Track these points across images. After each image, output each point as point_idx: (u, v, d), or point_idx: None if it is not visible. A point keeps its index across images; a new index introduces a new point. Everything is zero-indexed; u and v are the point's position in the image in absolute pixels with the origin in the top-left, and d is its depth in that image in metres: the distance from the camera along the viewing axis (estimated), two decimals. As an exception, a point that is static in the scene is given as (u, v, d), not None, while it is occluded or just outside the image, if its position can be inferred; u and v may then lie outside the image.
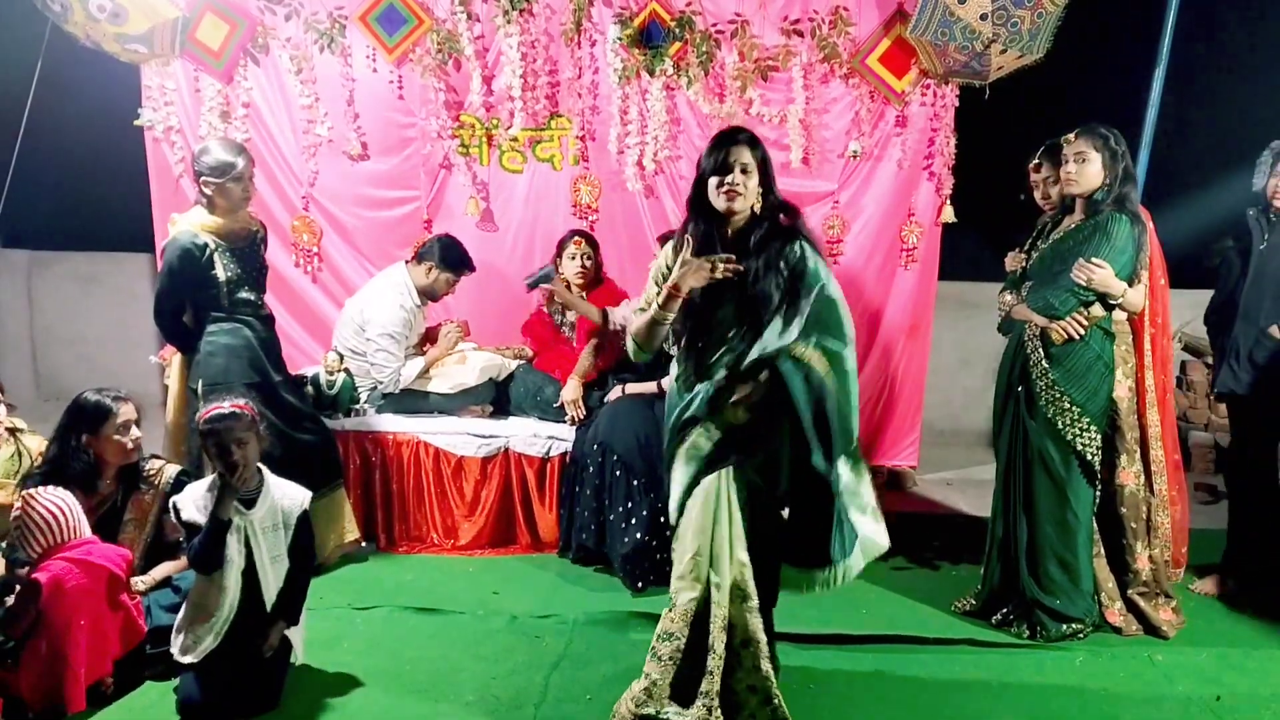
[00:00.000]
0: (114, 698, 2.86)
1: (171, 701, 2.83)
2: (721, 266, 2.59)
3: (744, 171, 2.62)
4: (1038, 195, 3.80)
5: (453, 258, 4.34)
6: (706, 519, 2.64)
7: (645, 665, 2.72)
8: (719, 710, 2.66)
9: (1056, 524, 3.40)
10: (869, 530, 2.58)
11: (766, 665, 2.68)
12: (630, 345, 2.83)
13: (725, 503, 2.64)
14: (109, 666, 2.86)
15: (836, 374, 2.59)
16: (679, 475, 2.69)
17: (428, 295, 4.39)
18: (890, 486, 5.04)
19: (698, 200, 2.70)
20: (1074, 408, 3.32)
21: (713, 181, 2.63)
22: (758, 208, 2.68)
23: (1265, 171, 3.65)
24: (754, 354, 2.59)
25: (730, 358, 2.64)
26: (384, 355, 4.22)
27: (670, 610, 2.69)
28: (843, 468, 2.58)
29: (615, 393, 4.06)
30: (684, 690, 2.69)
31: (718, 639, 2.64)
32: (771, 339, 2.59)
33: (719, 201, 2.63)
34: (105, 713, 2.81)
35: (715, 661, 2.64)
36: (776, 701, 2.69)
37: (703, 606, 2.67)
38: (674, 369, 2.81)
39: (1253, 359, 3.65)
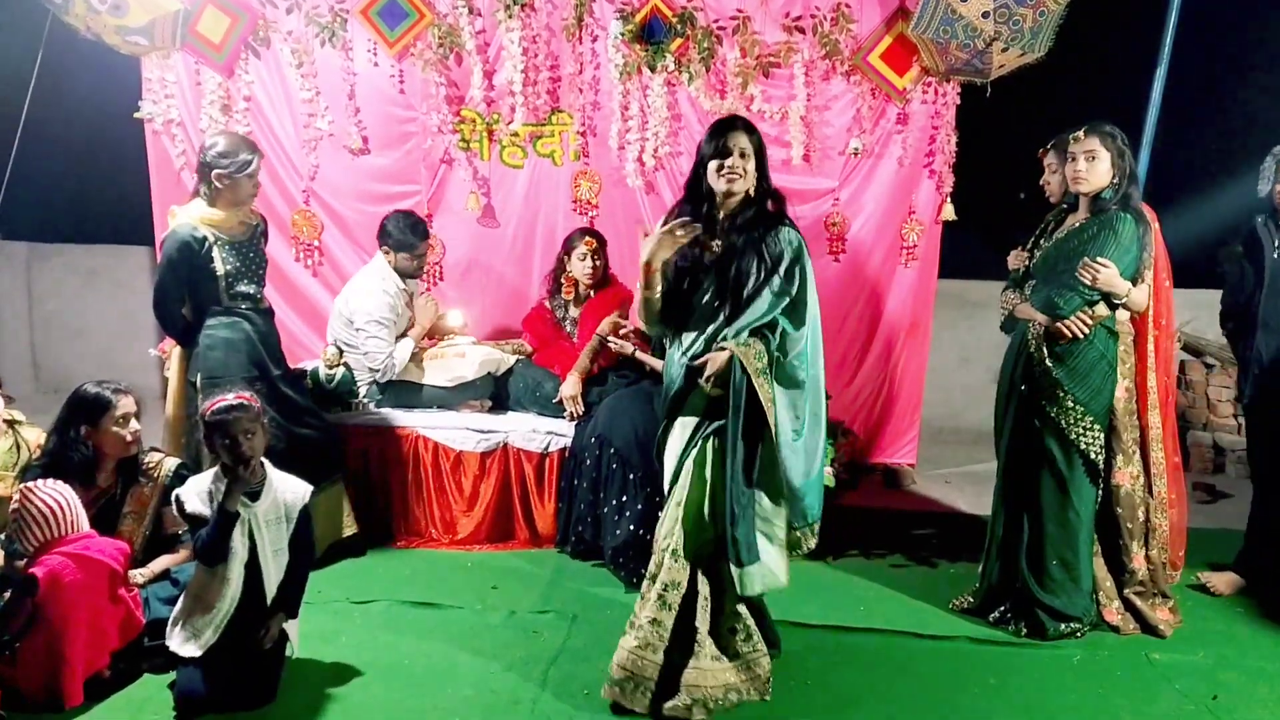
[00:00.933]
0: (112, 690, 2.86)
1: (169, 694, 2.83)
2: (680, 230, 2.74)
3: (742, 155, 2.79)
4: (1041, 182, 3.79)
5: (398, 233, 4.28)
6: (696, 478, 2.81)
7: (650, 613, 2.81)
8: (712, 646, 2.83)
9: (1058, 523, 3.39)
10: (770, 560, 2.79)
11: (742, 607, 2.88)
12: (642, 325, 3.04)
13: (707, 464, 2.80)
14: (107, 659, 2.86)
15: (779, 378, 2.77)
16: (673, 444, 2.87)
17: (405, 275, 4.37)
18: (889, 484, 5.05)
19: (694, 185, 2.86)
20: (1077, 406, 3.31)
21: (713, 165, 2.79)
22: (752, 192, 2.84)
23: (1270, 178, 3.64)
24: (735, 329, 2.78)
25: (710, 332, 2.82)
26: (375, 341, 4.21)
27: (675, 561, 2.80)
28: (761, 495, 2.79)
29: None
30: (681, 636, 2.84)
31: (702, 583, 2.84)
32: (755, 314, 2.78)
33: (719, 184, 2.79)
34: (103, 705, 2.81)
35: (702, 602, 2.84)
36: (756, 637, 2.91)
37: (691, 556, 2.83)
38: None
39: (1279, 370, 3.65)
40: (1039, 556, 3.43)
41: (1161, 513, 3.55)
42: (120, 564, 2.85)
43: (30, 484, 2.86)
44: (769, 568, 2.78)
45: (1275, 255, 3.65)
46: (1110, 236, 3.23)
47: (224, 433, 2.83)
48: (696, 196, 2.85)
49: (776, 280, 2.78)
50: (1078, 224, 3.37)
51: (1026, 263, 3.55)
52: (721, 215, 2.83)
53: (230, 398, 2.89)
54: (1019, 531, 3.48)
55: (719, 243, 2.82)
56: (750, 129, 2.84)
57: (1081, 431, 3.32)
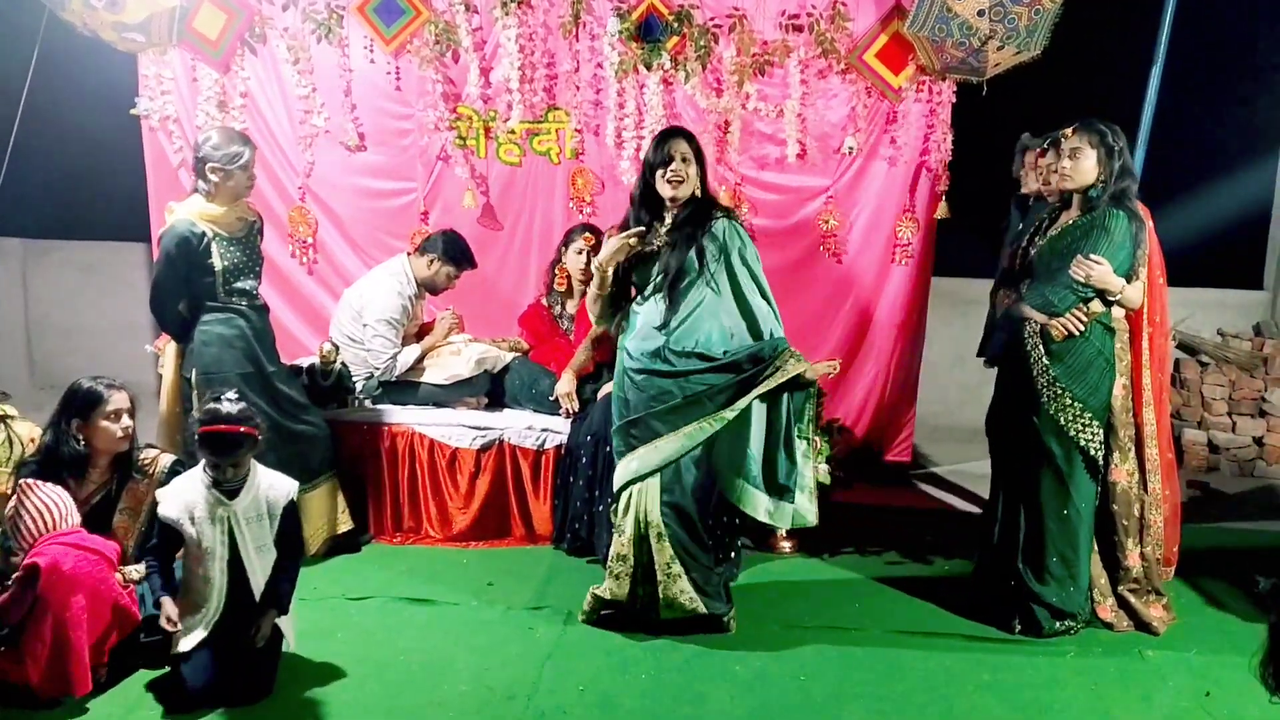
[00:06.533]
0: (108, 685, 2.86)
1: (165, 689, 2.84)
2: (632, 238, 3.18)
3: (684, 160, 3.17)
4: (1040, 182, 3.81)
5: (456, 252, 4.34)
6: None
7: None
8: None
9: (1059, 519, 3.38)
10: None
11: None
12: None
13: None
14: (104, 654, 2.86)
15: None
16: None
17: (427, 288, 4.39)
18: (883, 482, 5.04)
19: (644, 192, 3.25)
20: (1076, 404, 3.30)
21: (659, 173, 3.17)
22: (698, 193, 3.23)
23: (1017, 164, 4.06)
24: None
25: (667, 323, 3.22)
26: (381, 341, 4.22)
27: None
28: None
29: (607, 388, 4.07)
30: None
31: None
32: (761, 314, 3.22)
33: (665, 189, 3.17)
34: (100, 700, 2.81)
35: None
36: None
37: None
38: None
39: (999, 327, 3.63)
40: (1038, 553, 3.42)
41: (1156, 509, 3.55)
42: (112, 559, 2.85)
43: (30, 481, 2.86)
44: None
45: (1019, 227, 3.84)
46: (1102, 234, 3.23)
47: (211, 452, 2.81)
48: (648, 202, 3.23)
49: (734, 271, 3.16)
50: (1070, 221, 3.37)
51: (1020, 261, 3.56)
52: (670, 217, 3.22)
53: (238, 424, 2.81)
54: (1015, 528, 3.47)
55: (664, 240, 3.20)
56: (689, 136, 3.23)
57: (1081, 428, 3.32)
